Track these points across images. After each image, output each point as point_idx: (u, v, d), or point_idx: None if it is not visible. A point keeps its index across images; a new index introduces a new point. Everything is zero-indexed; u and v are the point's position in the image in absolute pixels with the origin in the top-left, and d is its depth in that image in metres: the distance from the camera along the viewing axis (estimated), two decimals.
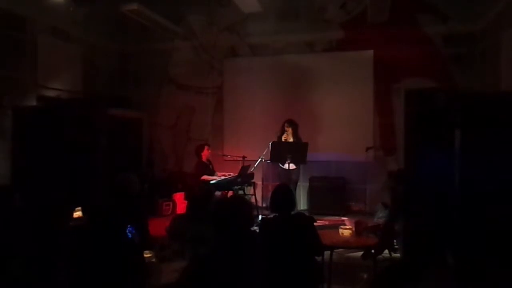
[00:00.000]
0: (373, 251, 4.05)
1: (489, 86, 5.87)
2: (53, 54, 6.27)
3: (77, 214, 4.20)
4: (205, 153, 6.24)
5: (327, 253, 3.62)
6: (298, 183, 6.56)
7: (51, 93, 6.13)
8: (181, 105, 7.83)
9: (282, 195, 3.14)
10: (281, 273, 2.77)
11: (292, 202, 3.15)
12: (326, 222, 5.94)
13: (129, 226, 2.51)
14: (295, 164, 6.08)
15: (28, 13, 5.79)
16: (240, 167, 6.27)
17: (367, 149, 6.52)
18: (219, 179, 6.00)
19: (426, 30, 6.66)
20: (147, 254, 2.78)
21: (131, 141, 7.01)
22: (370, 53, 6.93)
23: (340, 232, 3.84)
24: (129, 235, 2.54)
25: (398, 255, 4.43)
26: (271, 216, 3.16)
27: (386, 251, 4.44)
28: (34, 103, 5.76)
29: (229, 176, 6.11)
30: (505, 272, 3.10)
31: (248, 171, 6.29)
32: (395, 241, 4.60)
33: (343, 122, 7.00)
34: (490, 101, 3.59)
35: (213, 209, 2.47)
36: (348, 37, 6.98)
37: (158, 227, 3.77)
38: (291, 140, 6.24)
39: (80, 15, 6.52)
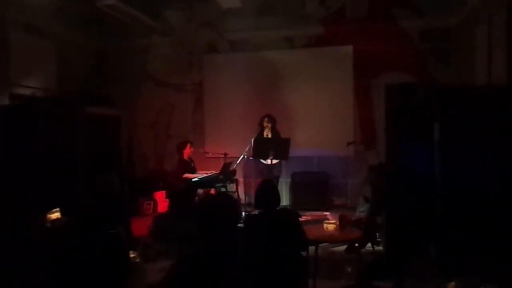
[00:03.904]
0: (356, 244, 4.11)
1: (465, 80, 6.01)
2: (27, 51, 6.04)
3: (55, 215, 4.08)
4: (187, 151, 6.15)
5: (312, 248, 3.64)
6: (280, 179, 6.58)
7: (25, 91, 5.92)
8: (160, 102, 7.71)
9: (267, 191, 3.13)
10: (267, 269, 2.77)
11: (277, 198, 3.14)
12: (309, 218, 5.98)
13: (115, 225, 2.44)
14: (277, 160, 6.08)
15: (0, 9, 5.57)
16: (221, 164, 6.22)
17: (348, 144, 6.58)
18: (201, 176, 5.94)
19: (403, 25, 6.76)
20: (131, 254, 2.72)
21: (110, 140, 6.85)
22: (349, 48, 6.98)
23: (324, 226, 3.87)
24: (116, 233, 2.46)
25: (380, 248, 4.50)
26: (256, 212, 3.15)
27: (369, 244, 4.50)
28: (7, 101, 5.57)
29: (211, 174, 6.06)
30: (486, 261, 3.19)
31: (230, 168, 6.25)
32: (377, 234, 4.67)
33: (324, 117, 7.04)
34: (467, 95, 3.68)
35: (199, 207, 2.43)
36: (328, 32, 7.01)
37: (140, 226, 3.70)
38: (270, 135, 6.23)
39: (54, 10, 6.31)
